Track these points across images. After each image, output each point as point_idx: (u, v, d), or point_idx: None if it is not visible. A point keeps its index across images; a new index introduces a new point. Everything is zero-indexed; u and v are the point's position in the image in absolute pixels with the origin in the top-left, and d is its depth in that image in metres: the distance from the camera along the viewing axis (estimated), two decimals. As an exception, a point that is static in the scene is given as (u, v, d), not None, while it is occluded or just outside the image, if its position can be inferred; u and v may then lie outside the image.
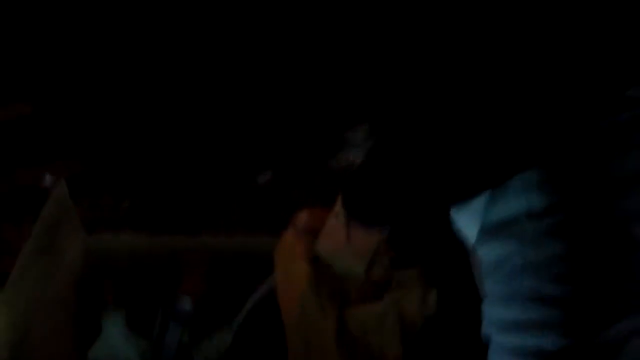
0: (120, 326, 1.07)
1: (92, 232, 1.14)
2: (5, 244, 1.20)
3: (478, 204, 0.52)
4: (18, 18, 0.37)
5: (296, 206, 1.07)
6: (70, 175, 1.09)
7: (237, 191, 1.28)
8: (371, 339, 0.82)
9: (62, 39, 0.36)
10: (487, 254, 0.52)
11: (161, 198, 1.29)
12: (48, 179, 1.02)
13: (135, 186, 1.32)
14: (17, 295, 0.94)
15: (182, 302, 1.09)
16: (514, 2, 0.40)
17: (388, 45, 0.40)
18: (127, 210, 1.26)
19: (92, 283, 1.08)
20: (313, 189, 1.12)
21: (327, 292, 0.89)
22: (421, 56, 0.41)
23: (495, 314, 0.51)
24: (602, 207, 0.46)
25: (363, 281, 0.84)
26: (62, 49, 0.37)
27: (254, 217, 1.25)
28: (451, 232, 0.58)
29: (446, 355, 0.77)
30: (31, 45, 0.37)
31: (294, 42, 0.38)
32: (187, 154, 1.17)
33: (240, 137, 1.04)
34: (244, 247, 1.14)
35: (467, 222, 0.55)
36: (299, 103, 0.41)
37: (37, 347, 0.96)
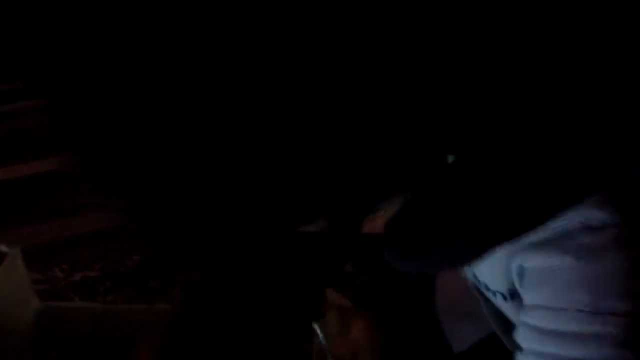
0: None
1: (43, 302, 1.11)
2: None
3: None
4: None
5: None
6: (23, 245, 1.08)
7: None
8: None
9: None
10: (531, 266, 0.52)
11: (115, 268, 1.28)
12: (2, 247, 1.01)
13: (88, 258, 1.31)
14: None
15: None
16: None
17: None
18: (79, 282, 1.25)
19: (41, 355, 1.05)
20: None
21: None
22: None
23: (537, 323, 0.51)
24: None
25: None
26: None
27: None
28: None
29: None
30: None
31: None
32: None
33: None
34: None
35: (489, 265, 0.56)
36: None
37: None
